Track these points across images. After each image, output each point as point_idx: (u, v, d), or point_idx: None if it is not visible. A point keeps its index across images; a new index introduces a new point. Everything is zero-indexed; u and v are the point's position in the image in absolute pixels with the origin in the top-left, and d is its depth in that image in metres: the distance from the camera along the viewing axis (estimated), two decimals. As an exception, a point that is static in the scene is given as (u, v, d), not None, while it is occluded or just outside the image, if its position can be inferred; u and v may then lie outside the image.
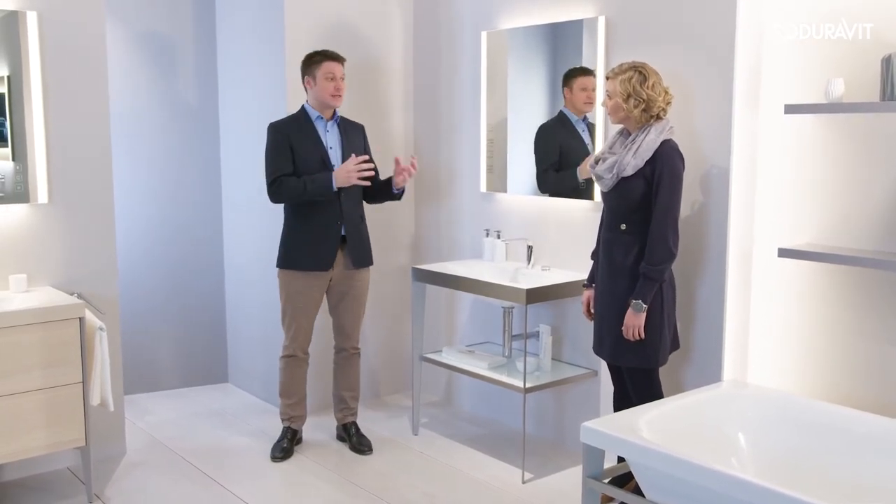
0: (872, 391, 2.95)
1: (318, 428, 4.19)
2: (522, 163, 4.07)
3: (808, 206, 3.08)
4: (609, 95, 3.10)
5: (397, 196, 3.88)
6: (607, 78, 3.12)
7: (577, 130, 3.79)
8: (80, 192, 3.67)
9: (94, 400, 3.35)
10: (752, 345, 3.27)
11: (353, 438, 3.97)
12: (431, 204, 4.67)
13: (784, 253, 3.00)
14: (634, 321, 3.03)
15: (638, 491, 2.68)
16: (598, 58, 3.65)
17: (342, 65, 3.76)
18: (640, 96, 3.01)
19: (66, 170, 3.62)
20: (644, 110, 3.03)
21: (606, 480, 3.08)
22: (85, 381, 3.31)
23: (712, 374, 3.27)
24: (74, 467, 3.70)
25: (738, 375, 3.24)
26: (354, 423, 4.03)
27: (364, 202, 3.90)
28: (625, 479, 3.08)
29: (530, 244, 3.95)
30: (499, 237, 4.14)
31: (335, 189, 3.66)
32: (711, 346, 3.30)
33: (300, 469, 3.76)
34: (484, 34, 4.19)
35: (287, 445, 3.88)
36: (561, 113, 3.85)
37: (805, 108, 2.91)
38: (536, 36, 3.94)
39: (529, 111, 4.01)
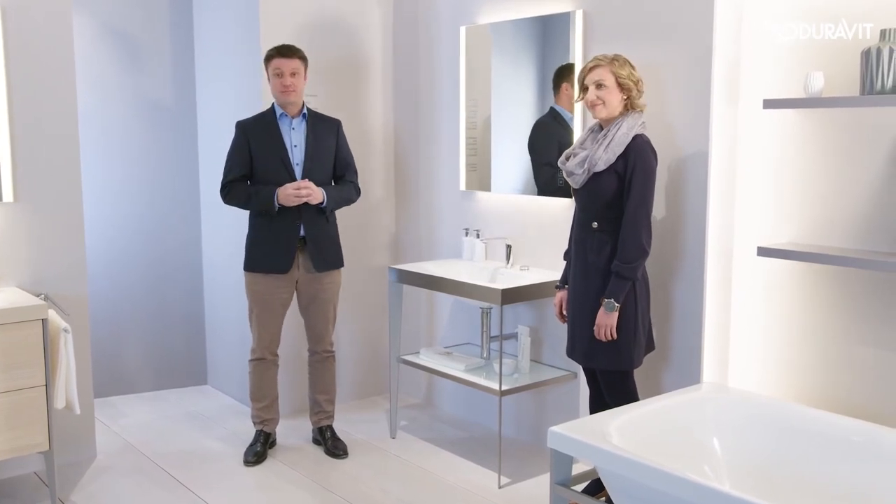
0: (856, 395, 2.86)
1: (294, 431, 4.11)
2: (506, 160, 3.97)
3: (788, 204, 3.00)
4: (598, 85, 2.98)
5: (321, 210, 3.68)
6: (592, 68, 3.00)
7: (570, 127, 3.68)
8: (48, 190, 3.59)
9: (59, 403, 3.27)
10: (733, 346, 3.18)
11: (329, 442, 3.88)
12: (411, 202, 4.58)
13: (763, 252, 2.92)
14: (606, 321, 2.94)
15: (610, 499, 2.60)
16: (575, 52, 3.56)
17: (299, 60, 3.63)
18: (632, 80, 2.98)
19: (33, 168, 3.54)
20: (632, 98, 2.99)
21: (583, 485, 3.01)
22: (48, 384, 3.23)
23: (692, 376, 3.19)
24: (41, 472, 3.62)
25: (718, 378, 3.15)
26: (330, 427, 3.94)
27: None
28: (602, 484, 3.00)
29: (509, 243, 3.87)
30: (478, 237, 4.06)
31: (277, 207, 3.57)
32: (690, 347, 3.21)
33: (273, 473, 3.67)
34: (463, 29, 4.10)
35: (260, 449, 3.80)
36: (553, 109, 3.75)
37: (783, 103, 2.83)
38: (521, 30, 3.83)
39: (514, 108, 3.91)
